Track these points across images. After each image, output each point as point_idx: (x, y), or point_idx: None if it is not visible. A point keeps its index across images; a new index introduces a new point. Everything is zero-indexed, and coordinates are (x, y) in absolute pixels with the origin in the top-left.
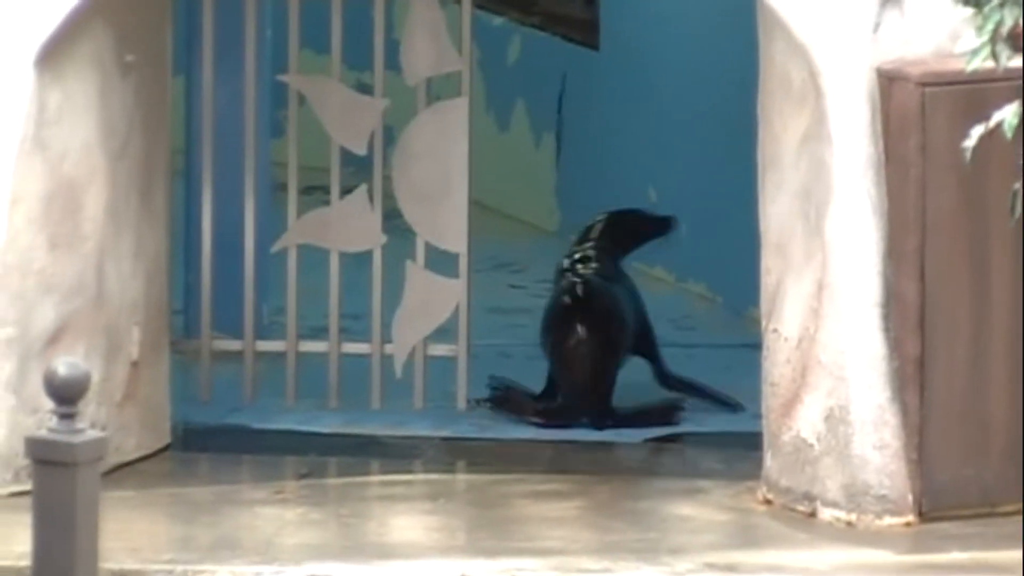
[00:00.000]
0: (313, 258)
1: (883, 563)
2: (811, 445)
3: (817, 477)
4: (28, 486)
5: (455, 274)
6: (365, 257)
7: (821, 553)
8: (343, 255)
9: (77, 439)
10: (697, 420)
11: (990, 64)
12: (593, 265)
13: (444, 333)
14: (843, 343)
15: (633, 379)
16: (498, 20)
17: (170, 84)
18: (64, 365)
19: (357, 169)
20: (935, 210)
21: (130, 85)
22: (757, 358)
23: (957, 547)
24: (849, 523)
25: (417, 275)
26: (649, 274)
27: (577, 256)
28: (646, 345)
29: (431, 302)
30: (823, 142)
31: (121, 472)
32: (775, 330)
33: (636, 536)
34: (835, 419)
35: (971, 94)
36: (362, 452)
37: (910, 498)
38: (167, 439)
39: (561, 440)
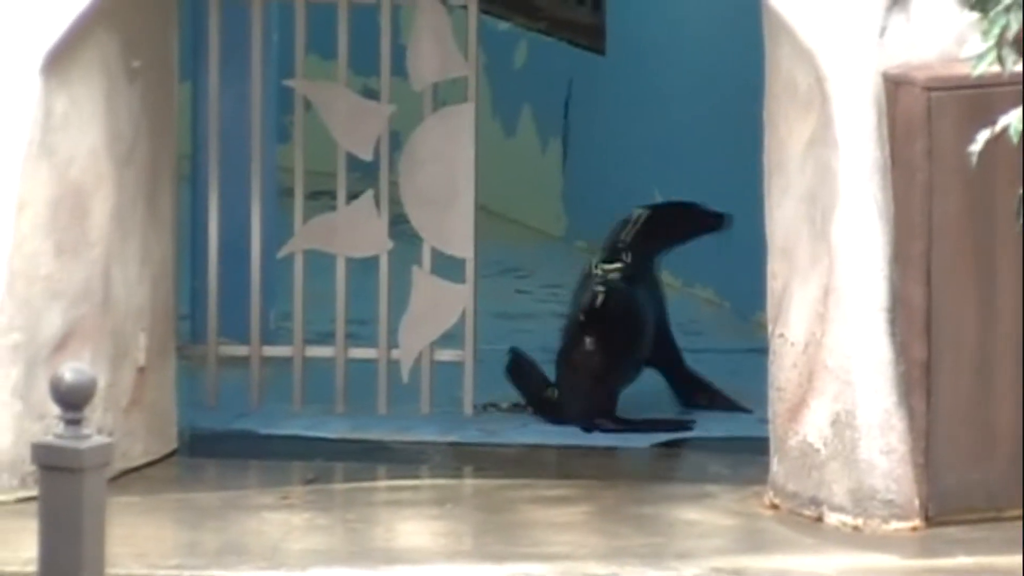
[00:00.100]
0: (319, 263)
1: (889, 567)
2: (818, 450)
3: (824, 481)
4: (35, 492)
5: (461, 279)
6: (371, 262)
7: (828, 557)
8: (349, 260)
9: (83, 445)
10: (704, 425)
11: (996, 68)
12: (620, 266)
13: (450, 338)
14: (849, 347)
15: (642, 389)
16: (504, 25)
17: (176, 89)
18: (70, 371)
19: (363, 174)
20: (941, 214)
21: (136, 91)
22: (764, 363)
23: (963, 552)
24: (856, 527)
25: (423, 280)
26: None
27: (606, 256)
28: (664, 353)
29: (438, 307)
30: (829, 147)
31: (128, 477)
32: (781, 335)
33: (643, 541)
34: (841, 423)
35: (977, 98)
36: (369, 457)
37: (916, 502)
38: (174, 444)
39: (567, 445)
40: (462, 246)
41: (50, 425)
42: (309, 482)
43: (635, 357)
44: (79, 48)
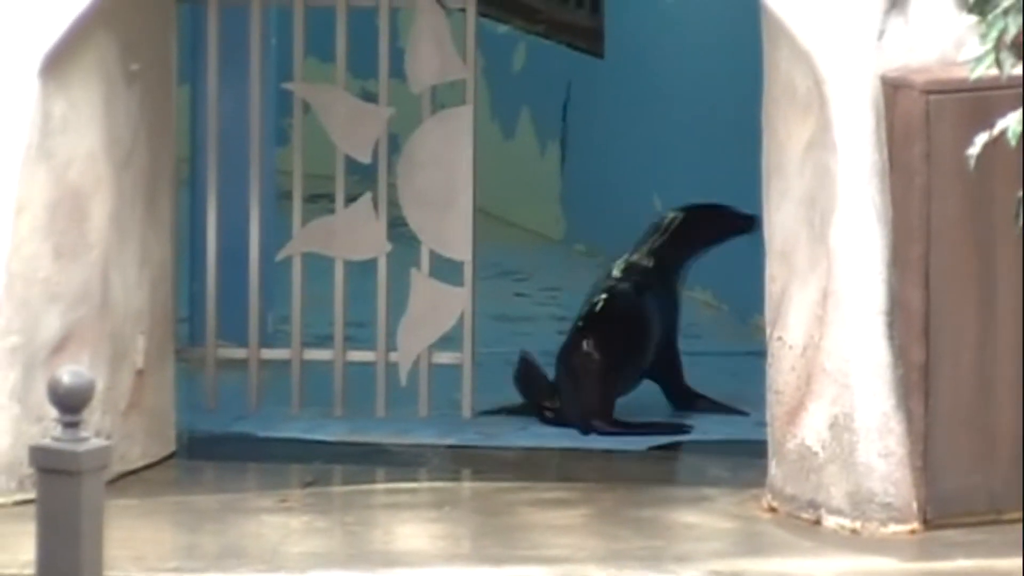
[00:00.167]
0: (318, 266)
1: (888, 571)
2: (816, 453)
3: (822, 485)
4: (33, 495)
5: (460, 282)
6: (370, 265)
7: (826, 561)
8: (348, 263)
9: (81, 448)
10: (702, 428)
11: (994, 72)
12: (638, 275)
13: (449, 341)
14: (848, 351)
15: (639, 392)
16: (503, 28)
17: (175, 93)
18: (68, 374)
19: (362, 177)
20: (940, 218)
21: (135, 94)
22: (762, 366)
23: (962, 555)
24: (854, 531)
25: (422, 283)
26: None
27: (629, 262)
28: (665, 364)
29: (436, 310)
30: (828, 150)
31: (126, 480)
32: (780, 338)
33: (641, 544)
34: (840, 427)
35: (975, 102)
36: (367, 460)
37: (915, 506)
38: (172, 447)
39: (566, 448)
40: (460, 249)
41: (48, 428)
42: (308, 485)
43: (633, 364)
44: (78, 51)
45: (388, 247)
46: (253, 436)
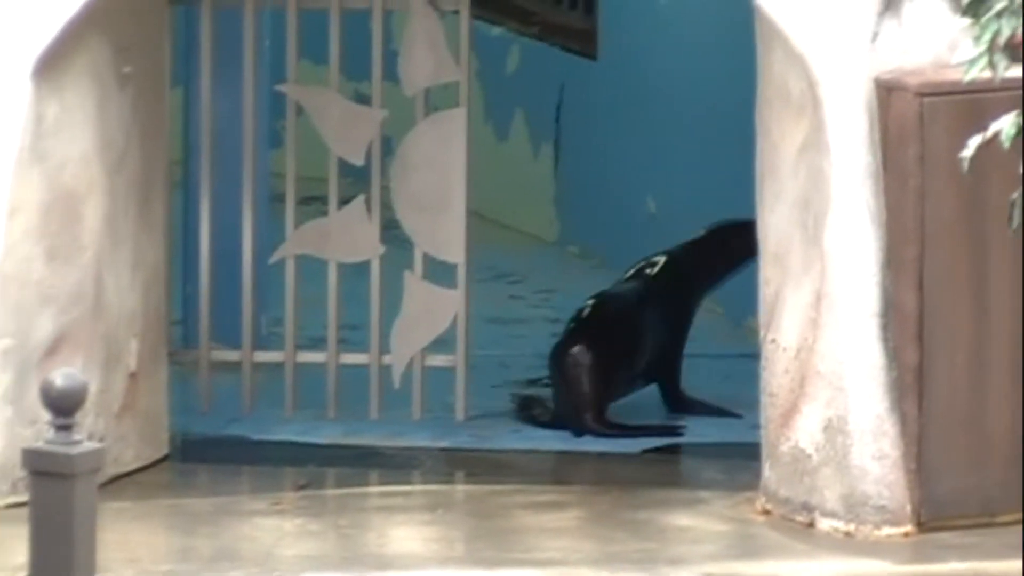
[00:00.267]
0: (311, 268)
1: (882, 573)
2: (810, 455)
3: (816, 487)
4: (25, 497)
5: (454, 284)
6: (363, 267)
7: (820, 563)
8: (341, 265)
9: (74, 450)
10: (696, 431)
11: (988, 74)
12: (646, 280)
13: (443, 343)
14: (842, 353)
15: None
16: (496, 30)
17: (168, 95)
18: (61, 376)
19: (355, 179)
20: (934, 220)
21: (128, 96)
22: (756, 368)
23: (956, 557)
24: (848, 533)
25: (416, 285)
26: None
27: (643, 267)
28: (666, 368)
29: (430, 312)
30: (822, 152)
31: (119, 483)
32: (774, 340)
33: (635, 547)
34: (834, 429)
35: (969, 104)
36: (361, 463)
37: (909, 508)
38: (165, 450)
39: (560, 451)
40: (454, 251)
41: (41, 431)
42: (301, 487)
43: (625, 366)
44: (70, 54)
45: (381, 249)
46: (246, 439)
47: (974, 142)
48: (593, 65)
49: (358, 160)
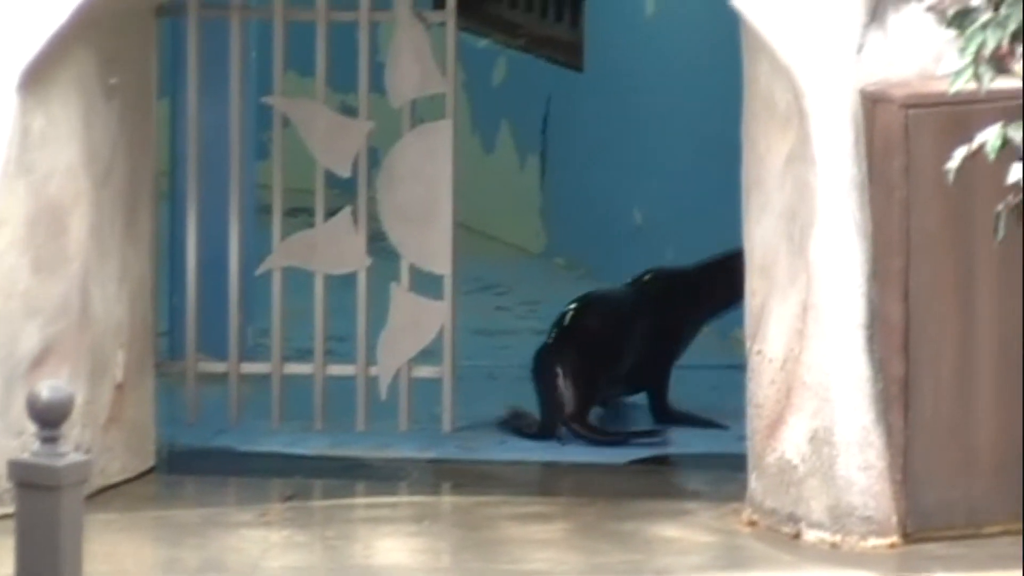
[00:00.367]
0: (298, 280)
1: None
2: (796, 466)
3: (802, 498)
4: (11, 509)
5: (440, 296)
6: (350, 279)
7: (806, 574)
8: (328, 277)
9: (60, 462)
10: (682, 442)
11: (973, 86)
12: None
13: (429, 355)
14: (828, 364)
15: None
16: (483, 42)
17: (155, 107)
18: (47, 388)
19: (342, 191)
20: (919, 231)
21: (114, 108)
22: (742, 379)
23: (942, 568)
24: (834, 544)
25: (402, 297)
26: None
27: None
28: (651, 381)
29: (416, 324)
30: (807, 163)
31: (106, 494)
32: (760, 351)
33: (621, 558)
34: (820, 440)
35: (955, 115)
36: (347, 474)
37: (895, 519)
38: (152, 461)
39: (546, 462)
40: (441, 263)
41: (27, 442)
42: (288, 499)
43: (604, 371)
44: (57, 65)
45: (368, 261)
46: (233, 450)
47: (960, 154)
48: (579, 77)
49: (345, 172)
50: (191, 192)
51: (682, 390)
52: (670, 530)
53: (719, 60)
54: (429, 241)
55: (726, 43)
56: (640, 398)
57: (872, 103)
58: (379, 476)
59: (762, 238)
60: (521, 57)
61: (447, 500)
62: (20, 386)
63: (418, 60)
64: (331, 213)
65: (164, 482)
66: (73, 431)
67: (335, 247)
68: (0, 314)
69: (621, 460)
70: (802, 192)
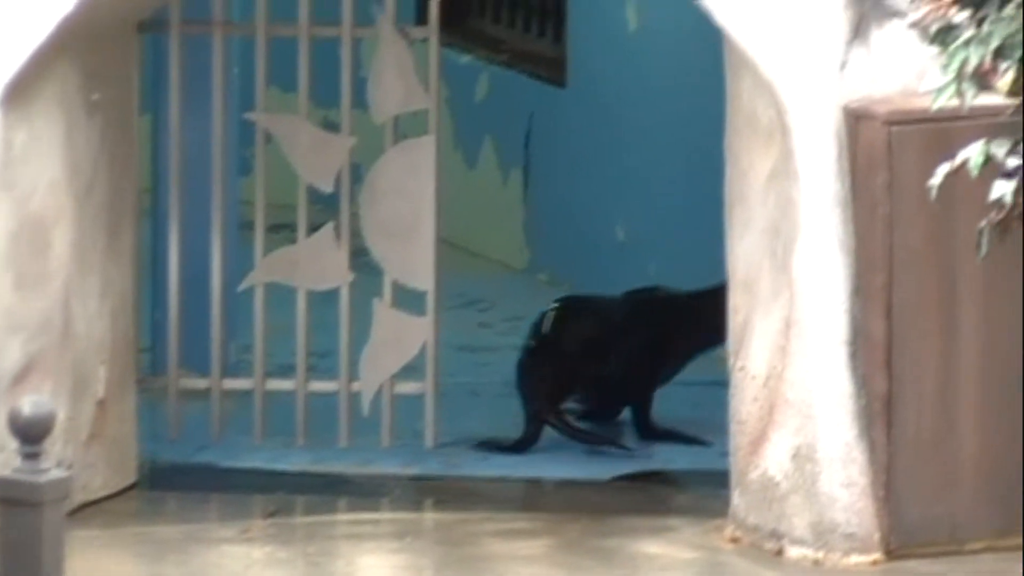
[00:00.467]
0: (280, 296)
1: None
2: (778, 483)
3: (784, 515)
4: None
5: (423, 312)
6: (332, 295)
7: None
8: (310, 293)
9: (42, 479)
10: (665, 458)
11: (955, 102)
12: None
13: (412, 371)
14: (810, 381)
15: None
16: (466, 58)
17: (137, 123)
18: (29, 404)
19: (324, 207)
20: (902, 247)
21: (96, 124)
22: (725, 395)
23: None
24: (816, 561)
25: (385, 313)
26: None
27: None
28: (635, 397)
29: (399, 340)
30: (790, 179)
31: (88, 511)
32: (742, 368)
33: (605, 574)
34: (802, 457)
35: (938, 132)
36: (329, 490)
37: (877, 536)
38: (134, 477)
39: (529, 478)
40: (423, 278)
41: (9, 458)
42: (270, 515)
43: (580, 369)
44: (39, 81)
45: (351, 277)
46: (215, 466)
47: (942, 170)
48: (562, 93)
49: (327, 187)
50: (173, 208)
51: (665, 406)
52: (653, 546)
53: (702, 76)
54: (412, 257)
55: (709, 59)
56: (625, 415)
57: (855, 119)
58: (361, 492)
59: (745, 254)
60: (504, 73)
61: (430, 516)
62: (2, 402)
63: (401, 76)
64: (314, 229)
65: (146, 498)
66: (55, 447)
67: (318, 263)
68: None
69: (605, 476)
70: (785, 208)
